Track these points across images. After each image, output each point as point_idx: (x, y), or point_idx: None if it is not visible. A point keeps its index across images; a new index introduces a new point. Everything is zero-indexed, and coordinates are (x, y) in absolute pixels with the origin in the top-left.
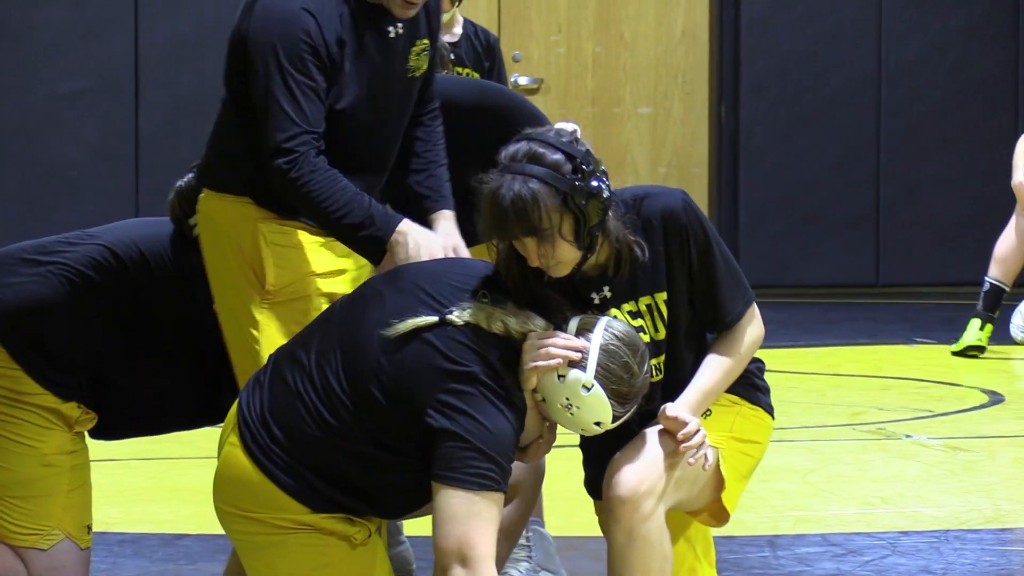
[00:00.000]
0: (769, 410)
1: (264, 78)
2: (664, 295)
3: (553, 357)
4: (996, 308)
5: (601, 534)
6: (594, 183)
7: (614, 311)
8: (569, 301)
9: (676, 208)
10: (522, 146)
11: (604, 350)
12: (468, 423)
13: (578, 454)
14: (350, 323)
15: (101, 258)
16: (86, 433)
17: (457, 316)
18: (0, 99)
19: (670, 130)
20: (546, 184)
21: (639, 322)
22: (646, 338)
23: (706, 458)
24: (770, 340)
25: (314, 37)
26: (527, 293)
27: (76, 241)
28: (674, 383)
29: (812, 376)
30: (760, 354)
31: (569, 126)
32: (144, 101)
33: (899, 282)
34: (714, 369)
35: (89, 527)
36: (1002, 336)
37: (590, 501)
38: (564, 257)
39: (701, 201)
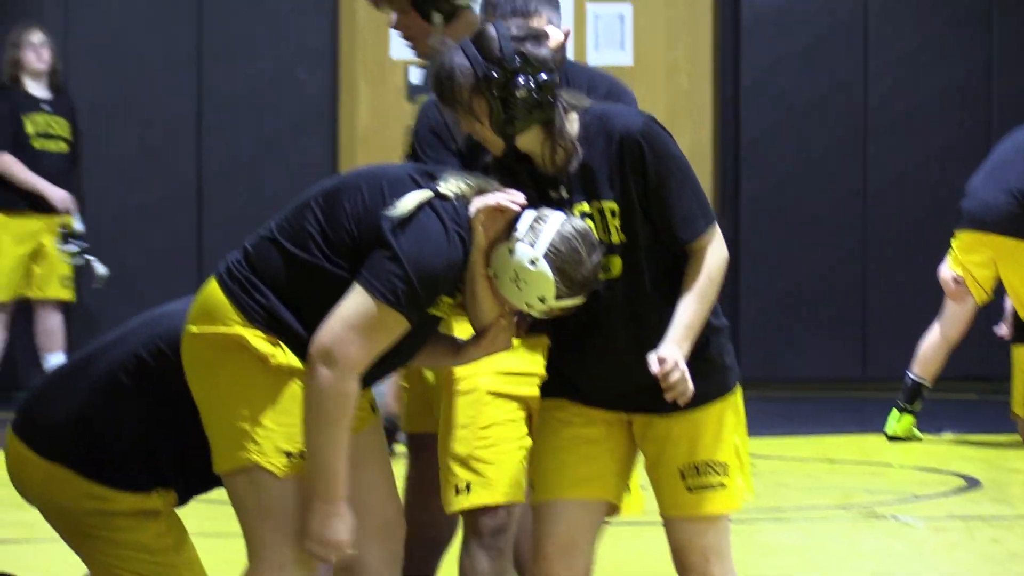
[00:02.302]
0: (737, 378)
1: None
2: (614, 205)
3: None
4: (915, 400)
5: None
6: (520, 80)
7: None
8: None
9: (634, 128)
10: (486, 25)
11: (558, 233)
12: (408, 243)
13: None
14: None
15: (138, 362)
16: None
17: (444, 188)
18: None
19: None
20: (469, 63)
21: (589, 223)
22: None
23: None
24: (769, 429)
25: (433, 119)
26: (509, 177)
27: (114, 342)
28: (635, 290)
29: (806, 462)
30: (759, 443)
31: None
32: (206, 213)
33: (883, 376)
34: (691, 301)
35: None
36: (975, 425)
37: None
38: (486, 136)
39: None
